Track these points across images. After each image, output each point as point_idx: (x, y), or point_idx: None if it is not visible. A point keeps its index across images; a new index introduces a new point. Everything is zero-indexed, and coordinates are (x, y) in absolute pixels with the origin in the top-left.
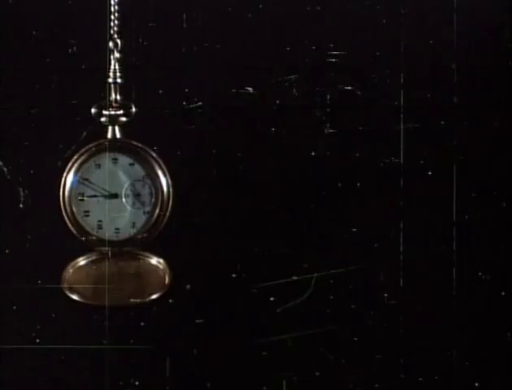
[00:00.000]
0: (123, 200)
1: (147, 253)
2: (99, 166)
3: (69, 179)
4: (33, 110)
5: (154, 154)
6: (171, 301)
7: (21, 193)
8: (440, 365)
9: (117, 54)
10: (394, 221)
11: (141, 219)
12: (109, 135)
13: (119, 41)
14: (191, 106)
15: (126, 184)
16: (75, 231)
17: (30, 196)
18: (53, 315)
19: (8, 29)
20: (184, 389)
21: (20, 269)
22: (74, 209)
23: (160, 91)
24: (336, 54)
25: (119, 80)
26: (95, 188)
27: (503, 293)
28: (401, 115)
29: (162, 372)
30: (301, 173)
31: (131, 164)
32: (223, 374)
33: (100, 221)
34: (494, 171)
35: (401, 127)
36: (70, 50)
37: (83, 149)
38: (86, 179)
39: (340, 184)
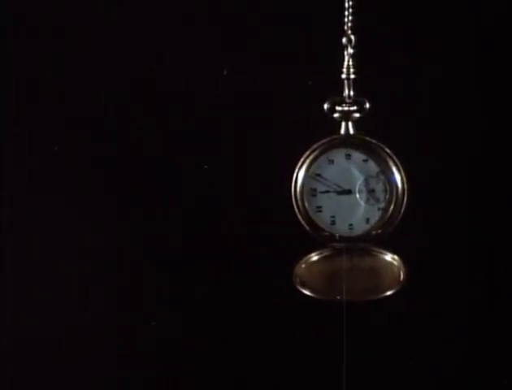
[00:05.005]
0: (357, 196)
1: (381, 250)
2: (332, 161)
3: (301, 174)
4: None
5: (388, 150)
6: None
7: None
8: None
9: (350, 50)
10: None
11: (375, 215)
12: (342, 131)
13: (352, 37)
14: None
15: (360, 180)
16: (307, 227)
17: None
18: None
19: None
20: None
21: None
22: (306, 204)
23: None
24: None
25: (352, 76)
26: (328, 183)
27: None
28: None
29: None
30: None
31: (364, 160)
32: None
33: (333, 217)
34: None
35: None
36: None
37: (315, 145)
38: (318, 175)
39: None
